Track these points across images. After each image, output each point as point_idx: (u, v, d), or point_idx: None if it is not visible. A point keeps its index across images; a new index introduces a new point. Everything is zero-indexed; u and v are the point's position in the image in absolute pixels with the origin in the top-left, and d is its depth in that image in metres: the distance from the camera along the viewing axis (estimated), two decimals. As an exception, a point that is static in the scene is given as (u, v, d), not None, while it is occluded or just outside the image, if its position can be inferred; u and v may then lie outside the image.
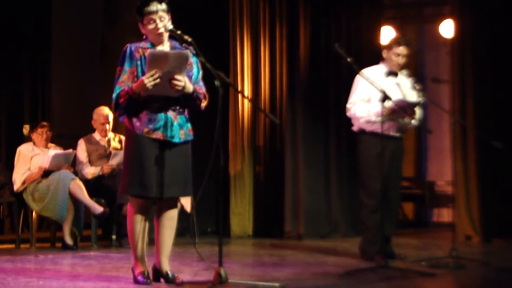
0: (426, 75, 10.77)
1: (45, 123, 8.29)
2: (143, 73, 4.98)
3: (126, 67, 5.06)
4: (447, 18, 9.58)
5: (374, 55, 8.40)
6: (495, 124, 8.36)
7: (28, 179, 7.89)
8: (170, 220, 5.21)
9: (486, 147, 7.67)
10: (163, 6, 5.06)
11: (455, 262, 6.27)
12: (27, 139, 8.29)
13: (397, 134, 6.70)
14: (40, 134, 8.13)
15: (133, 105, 5.01)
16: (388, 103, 6.19)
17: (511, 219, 8.38)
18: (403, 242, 7.95)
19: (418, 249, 7.71)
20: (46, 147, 8.13)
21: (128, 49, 5.08)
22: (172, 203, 5.22)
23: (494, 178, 8.48)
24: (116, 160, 7.95)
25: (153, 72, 4.86)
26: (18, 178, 7.94)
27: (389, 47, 6.77)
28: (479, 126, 8.34)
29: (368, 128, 6.63)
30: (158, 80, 4.87)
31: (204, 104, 5.18)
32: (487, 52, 8.61)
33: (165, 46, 5.14)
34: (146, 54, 4.94)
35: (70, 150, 8.11)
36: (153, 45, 5.10)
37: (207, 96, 5.19)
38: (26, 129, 8.24)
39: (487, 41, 8.62)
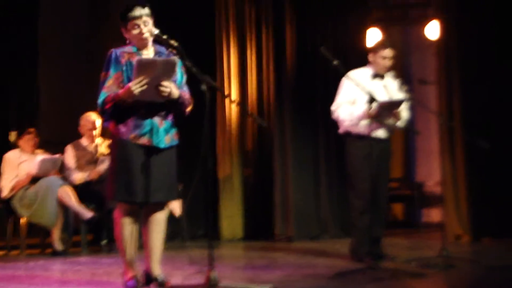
0: (412, 76, 10.79)
1: (31, 130, 8.28)
2: (129, 79, 4.98)
3: (112, 72, 5.05)
4: (433, 19, 9.61)
5: (360, 57, 8.37)
6: (482, 124, 8.38)
7: (17, 186, 7.87)
8: (157, 224, 5.21)
9: (473, 147, 7.69)
10: (146, 10, 5.06)
11: (445, 262, 6.29)
12: (14, 145, 8.27)
13: (384, 136, 6.71)
14: (26, 141, 8.12)
15: (119, 111, 5.00)
16: (374, 105, 6.21)
17: (500, 218, 8.40)
18: (393, 242, 7.96)
19: (408, 249, 7.72)
20: (33, 153, 8.12)
21: (113, 54, 5.07)
22: (159, 207, 5.22)
23: (482, 177, 8.50)
24: (103, 166, 7.94)
25: (140, 78, 4.86)
26: (6, 185, 7.93)
27: (374, 50, 6.79)
28: (466, 126, 8.36)
29: (354, 130, 6.65)
30: (145, 87, 4.87)
31: (189, 109, 5.19)
32: (473, 52, 8.63)
33: (150, 51, 5.14)
34: (134, 61, 4.93)
35: (58, 155, 8.09)
36: (138, 50, 5.10)
37: (191, 101, 5.19)
38: (12, 136, 8.22)
39: (472, 42, 8.64)
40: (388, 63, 6.74)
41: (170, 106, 5.10)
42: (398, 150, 10.85)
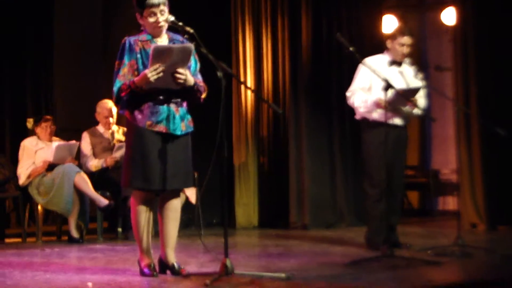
0: (428, 63, 10.75)
1: (49, 117, 8.30)
2: (144, 66, 4.98)
3: (126, 60, 5.04)
4: (449, 5, 9.55)
5: (376, 44, 8.39)
6: (499, 111, 8.34)
7: (33, 173, 7.90)
8: (173, 211, 5.21)
9: (490, 135, 7.65)
10: (164, -1, 5.05)
11: (460, 250, 6.27)
12: (31, 133, 8.30)
13: (401, 123, 6.69)
14: (44, 128, 8.13)
15: (134, 99, 5.01)
16: (390, 92, 6.18)
17: (516, 206, 8.38)
18: (408, 231, 7.94)
19: (423, 237, 7.70)
20: (50, 140, 8.14)
21: (127, 43, 5.07)
22: (175, 194, 5.23)
23: (498, 165, 8.47)
24: (119, 153, 7.94)
25: (156, 66, 4.86)
26: (23, 172, 7.95)
27: (393, 37, 6.75)
28: (482, 113, 8.32)
29: (371, 117, 6.63)
30: (161, 74, 4.87)
31: (203, 96, 5.19)
32: (490, 39, 8.58)
33: (163, 38, 5.13)
34: (150, 48, 4.92)
35: (73, 142, 8.11)
36: (152, 37, 5.09)
37: (206, 88, 5.19)
38: (30, 123, 8.24)
39: (489, 28, 8.59)
40: (405, 50, 6.70)
41: (186, 93, 5.10)
42: (414, 138, 10.80)
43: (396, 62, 6.72)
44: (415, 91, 6.52)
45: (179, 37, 5.16)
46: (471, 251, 6.29)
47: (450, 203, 10.67)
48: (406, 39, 6.68)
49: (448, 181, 10.69)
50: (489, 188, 8.45)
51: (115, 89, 5.01)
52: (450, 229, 7.70)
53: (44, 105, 9.89)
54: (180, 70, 4.94)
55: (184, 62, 4.96)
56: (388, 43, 6.77)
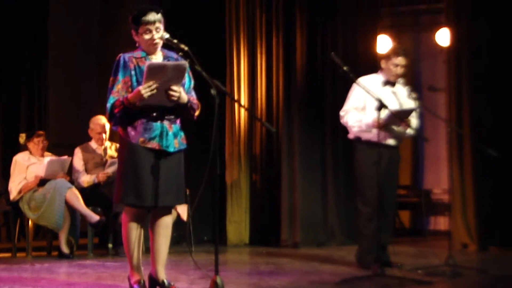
0: (422, 83, 10.79)
1: (41, 132, 8.29)
2: (138, 83, 4.98)
3: (120, 77, 5.04)
4: (443, 26, 9.59)
5: (370, 64, 8.43)
6: (491, 132, 8.36)
7: (25, 188, 7.88)
8: (164, 228, 5.20)
9: (482, 155, 7.67)
10: (159, 16, 5.06)
11: (451, 270, 6.28)
12: (23, 148, 8.29)
13: (393, 143, 6.70)
14: (36, 143, 8.12)
15: (128, 115, 5.01)
16: (384, 112, 6.20)
17: (507, 227, 8.38)
18: (399, 250, 7.93)
19: (414, 257, 7.70)
20: (42, 156, 8.13)
21: (121, 59, 5.07)
22: (167, 211, 5.22)
23: (490, 186, 8.48)
24: (112, 169, 7.94)
25: (150, 83, 4.86)
26: (14, 187, 7.93)
27: (387, 57, 6.77)
28: (475, 134, 8.35)
29: (364, 136, 6.64)
30: (154, 91, 4.87)
31: (197, 113, 5.19)
32: (483, 60, 8.62)
33: (158, 55, 5.14)
34: (144, 65, 4.93)
35: (65, 157, 8.10)
36: (147, 54, 5.10)
37: (199, 105, 5.20)
38: (22, 138, 8.23)
39: (483, 49, 8.63)
40: (399, 70, 6.72)
41: (179, 110, 5.10)
42: (407, 157, 10.81)
43: (390, 82, 6.75)
44: (408, 112, 6.53)
45: (174, 55, 5.17)
46: (462, 271, 6.30)
47: (441, 223, 10.68)
48: (400, 60, 6.70)
49: (440, 201, 10.70)
50: (481, 208, 8.46)
51: (108, 105, 5.01)
52: (441, 249, 7.71)
53: (37, 121, 9.87)
54: (174, 87, 4.94)
55: (178, 80, 4.97)
56: (382, 63, 6.79)
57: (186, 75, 5.11)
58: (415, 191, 10.93)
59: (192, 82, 5.22)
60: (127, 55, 5.08)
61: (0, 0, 9.49)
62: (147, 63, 4.94)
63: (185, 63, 4.98)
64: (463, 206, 8.56)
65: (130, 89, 5.00)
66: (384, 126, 6.40)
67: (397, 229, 10.45)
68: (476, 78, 8.63)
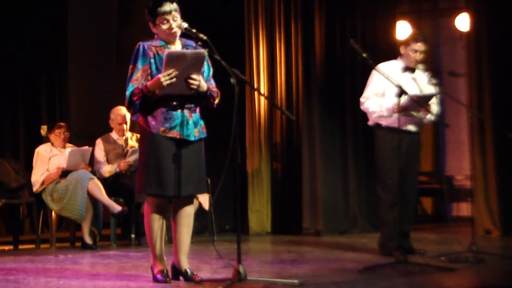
0: (442, 69, 10.73)
1: (62, 124, 8.33)
2: (157, 71, 4.99)
3: (139, 65, 5.05)
4: (463, 11, 9.53)
5: (389, 50, 8.41)
6: (512, 116, 8.32)
7: (47, 180, 7.93)
8: (187, 218, 5.22)
9: (504, 140, 7.63)
10: (175, 5, 5.06)
11: (474, 257, 6.25)
12: (45, 139, 8.33)
13: (414, 129, 6.68)
14: (57, 135, 8.16)
15: (147, 104, 5.01)
16: (404, 98, 6.17)
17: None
18: (422, 237, 7.91)
19: (437, 244, 7.68)
20: (64, 147, 8.17)
21: (141, 47, 5.08)
22: (189, 200, 5.23)
23: (512, 170, 8.45)
24: (133, 157, 7.95)
25: (170, 71, 4.87)
26: (37, 179, 7.98)
27: (406, 43, 6.74)
28: (496, 119, 8.29)
29: (384, 122, 6.62)
30: (174, 79, 4.88)
31: (216, 101, 5.19)
32: (503, 45, 8.56)
33: (177, 45, 5.14)
34: (164, 53, 4.93)
35: (86, 147, 8.14)
36: (166, 44, 5.11)
37: (219, 93, 5.19)
38: (43, 129, 8.27)
39: (503, 34, 8.57)
40: (419, 56, 6.69)
41: (199, 99, 5.10)
42: (428, 143, 10.78)
43: (410, 68, 6.71)
44: (429, 97, 6.50)
45: (192, 43, 5.18)
46: (485, 257, 6.26)
47: (464, 209, 10.63)
48: (420, 45, 6.66)
49: (462, 187, 10.65)
50: (503, 194, 8.42)
51: (127, 93, 5.01)
52: (464, 235, 7.68)
53: (58, 112, 9.91)
54: (194, 75, 4.95)
55: (198, 68, 4.97)
56: (402, 49, 6.76)
57: (205, 63, 5.11)
58: (437, 177, 10.89)
59: (211, 70, 5.22)
60: (146, 44, 5.09)
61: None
62: (166, 51, 4.95)
63: (204, 51, 4.98)
64: (486, 192, 8.52)
65: (149, 77, 5.01)
66: (404, 110, 6.37)
67: (419, 215, 10.42)
68: (496, 63, 8.57)
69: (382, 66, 6.57)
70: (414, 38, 6.72)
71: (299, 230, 8.96)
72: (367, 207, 9.00)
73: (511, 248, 7.39)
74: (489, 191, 8.51)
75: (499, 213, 8.42)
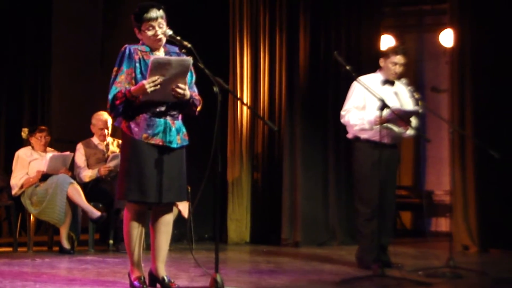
0: (425, 84, 10.78)
1: (44, 127, 8.29)
2: (142, 75, 4.98)
3: (124, 67, 5.03)
4: (447, 27, 9.59)
5: (373, 63, 8.36)
6: (494, 133, 8.36)
7: (26, 183, 7.89)
8: (166, 225, 5.21)
9: (484, 157, 7.67)
10: (161, 12, 5.07)
11: (452, 272, 6.26)
12: (26, 142, 8.30)
13: (392, 142, 6.69)
14: (38, 139, 8.13)
15: (130, 109, 5.00)
16: (385, 112, 6.18)
17: (508, 229, 8.37)
18: (400, 251, 7.94)
19: (415, 258, 7.70)
20: (45, 151, 8.14)
21: (127, 50, 5.06)
22: (169, 208, 5.22)
23: (492, 187, 8.48)
24: (114, 163, 7.95)
25: (155, 78, 4.86)
26: (16, 183, 7.94)
27: (386, 55, 6.76)
28: (477, 136, 8.33)
29: (363, 135, 6.63)
30: (158, 87, 4.87)
31: (198, 109, 5.19)
32: (487, 61, 8.62)
33: (161, 52, 5.14)
34: (150, 60, 4.93)
35: (68, 153, 8.11)
36: (151, 50, 5.10)
37: (201, 100, 5.20)
38: (24, 132, 8.24)
39: (486, 50, 8.63)
40: (398, 69, 6.70)
41: (181, 106, 5.10)
42: (408, 158, 10.83)
43: (389, 81, 6.73)
44: (411, 113, 6.52)
45: (176, 49, 5.17)
46: (463, 273, 6.28)
47: (442, 224, 10.67)
48: (399, 58, 6.68)
49: (441, 202, 10.69)
50: (482, 210, 8.45)
51: (110, 96, 4.98)
52: (442, 250, 7.71)
53: (40, 116, 9.88)
54: (181, 84, 4.94)
55: (183, 75, 4.96)
56: (381, 62, 6.78)
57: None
58: (416, 192, 10.93)
59: (194, 77, 5.22)
60: (132, 47, 5.07)
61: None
62: (152, 57, 4.94)
63: (189, 59, 4.97)
64: (465, 208, 8.55)
65: (133, 81, 4.99)
66: (385, 122, 6.39)
67: (398, 229, 10.45)
68: (479, 80, 8.62)
69: (362, 79, 6.57)
70: (393, 51, 6.74)
71: (278, 241, 8.95)
72: (347, 220, 9.01)
73: (489, 264, 7.41)
74: (468, 207, 8.54)
75: (477, 229, 8.45)
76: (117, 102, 4.96)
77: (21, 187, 7.91)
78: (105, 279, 5.71)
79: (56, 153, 8.13)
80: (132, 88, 4.94)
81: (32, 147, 8.16)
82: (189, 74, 5.13)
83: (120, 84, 4.99)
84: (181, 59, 4.98)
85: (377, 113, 6.19)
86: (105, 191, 7.89)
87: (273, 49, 9.33)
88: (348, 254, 7.46)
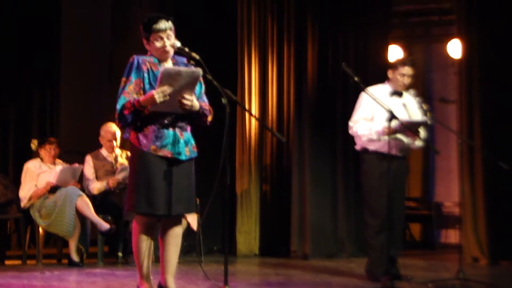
0: (433, 95, 10.77)
1: (53, 139, 8.31)
2: (150, 86, 4.99)
3: (133, 78, 5.04)
4: (455, 38, 9.58)
5: (381, 74, 8.38)
6: (503, 145, 8.33)
7: (34, 195, 7.90)
8: (175, 237, 5.20)
9: (493, 168, 7.64)
10: (170, 24, 5.08)
11: (462, 284, 6.25)
12: (35, 154, 8.31)
13: (401, 154, 6.68)
14: (48, 150, 8.14)
15: (139, 120, 5.00)
16: (394, 123, 6.17)
17: (518, 241, 8.34)
18: (409, 263, 7.91)
19: (424, 270, 7.67)
20: (54, 163, 8.15)
21: (135, 61, 5.07)
22: (177, 220, 5.21)
23: (501, 199, 8.44)
24: (122, 175, 7.95)
25: (164, 88, 4.85)
26: (24, 195, 7.95)
27: (394, 67, 6.76)
28: (486, 147, 8.31)
29: (371, 147, 6.62)
30: (167, 97, 4.87)
31: (209, 119, 5.19)
32: (494, 72, 8.60)
33: (169, 63, 5.15)
34: (158, 70, 4.94)
35: (77, 165, 8.12)
36: (159, 61, 5.11)
37: (211, 110, 5.19)
38: (34, 144, 8.25)
39: (494, 61, 8.61)
40: (407, 80, 6.71)
41: (190, 117, 5.10)
42: (417, 170, 10.80)
43: (397, 93, 6.73)
44: (419, 124, 6.51)
45: (184, 60, 5.17)
46: (473, 285, 6.26)
47: (452, 236, 10.64)
48: (407, 69, 6.68)
49: (451, 214, 10.66)
50: (492, 222, 8.42)
51: (118, 106, 4.98)
52: (451, 262, 7.68)
53: (49, 128, 9.89)
54: (187, 96, 4.94)
55: (192, 87, 4.96)
56: (389, 73, 6.78)
57: (197, 80, 5.11)
58: (425, 203, 10.90)
59: (203, 87, 5.22)
60: (141, 58, 5.08)
61: (12, 4, 9.56)
62: (163, 68, 4.94)
63: (199, 70, 4.97)
64: (474, 220, 8.52)
65: (141, 91, 5.00)
66: (394, 133, 6.38)
67: (407, 241, 10.42)
68: (487, 90, 8.60)
69: (370, 90, 6.57)
70: (402, 62, 6.74)
71: (287, 253, 8.93)
72: (356, 232, 8.98)
73: (498, 277, 7.38)
74: (478, 218, 8.51)
75: (487, 241, 8.42)
76: (126, 111, 4.96)
77: (30, 199, 7.92)
78: (114, 292, 5.71)
79: (65, 165, 8.14)
80: (141, 98, 4.94)
81: (41, 159, 8.17)
82: (198, 84, 5.13)
83: (129, 94, 4.99)
84: (191, 70, 4.98)
85: (385, 123, 6.18)
86: (114, 203, 7.89)
87: (281, 60, 9.34)
88: (357, 267, 7.44)
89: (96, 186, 8.08)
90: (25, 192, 7.96)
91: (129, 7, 9.75)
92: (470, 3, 8.80)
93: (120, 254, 8.00)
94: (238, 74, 9.33)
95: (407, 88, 6.76)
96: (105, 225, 7.63)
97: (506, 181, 8.14)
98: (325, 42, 9.26)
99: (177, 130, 5.06)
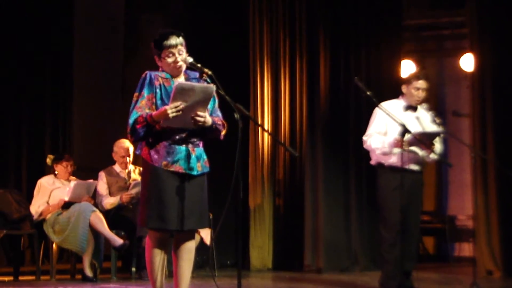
0: (446, 108, 10.76)
1: (70, 156, 8.36)
2: (162, 101, 4.99)
3: (145, 93, 5.04)
4: (467, 52, 9.58)
5: (394, 88, 8.39)
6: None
7: (45, 211, 7.92)
8: (188, 252, 5.20)
9: (507, 181, 7.62)
10: (181, 39, 5.08)
11: (476, 297, 6.22)
12: (49, 169, 8.34)
13: (416, 168, 6.67)
14: (65, 167, 8.19)
15: (151, 136, 5.01)
16: (407, 137, 6.17)
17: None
18: (424, 276, 7.88)
19: (438, 283, 7.65)
20: (68, 180, 8.18)
21: (148, 76, 5.08)
22: (190, 235, 5.21)
23: (515, 212, 8.43)
24: (135, 190, 7.96)
25: (177, 103, 4.86)
26: (35, 211, 7.98)
27: (408, 81, 6.76)
28: (499, 160, 8.30)
29: (386, 161, 6.62)
30: (180, 113, 4.87)
31: (223, 133, 5.19)
32: (507, 85, 8.59)
33: (181, 78, 5.16)
34: (170, 85, 4.96)
35: (91, 181, 8.15)
36: (171, 77, 5.13)
37: (225, 125, 5.19)
38: (50, 158, 8.29)
39: (507, 74, 8.61)
40: (421, 94, 6.70)
41: (203, 133, 5.10)
42: (431, 183, 10.78)
43: (412, 107, 6.72)
44: (432, 135, 6.51)
45: (196, 74, 5.17)
46: (487, 298, 6.24)
47: (466, 249, 10.61)
48: (421, 83, 6.68)
49: (464, 227, 10.63)
50: (506, 235, 8.39)
51: (130, 120, 4.98)
52: (465, 275, 7.65)
53: (61, 144, 9.94)
54: (200, 112, 4.94)
55: (205, 103, 4.96)
56: (404, 88, 6.78)
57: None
58: (439, 217, 10.88)
59: (217, 101, 5.21)
60: (153, 73, 5.09)
61: (26, 22, 9.63)
62: (176, 83, 4.95)
63: (212, 86, 4.97)
64: (488, 233, 8.49)
65: (153, 107, 5.00)
66: (408, 146, 6.37)
67: (421, 255, 10.38)
68: (500, 104, 8.60)
69: (384, 105, 6.57)
70: (416, 76, 6.74)
71: (301, 267, 8.92)
72: (369, 245, 8.97)
73: (513, 290, 7.36)
74: (491, 231, 8.48)
75: (501, 254, 8.39)
76: (138, 126, 4.97)
77: (40, 215, 7.95)
78: (127, 307, 5.71)
79: (80, 181, 8.17)
80: (154, 112, 4.95)
81: (55, 175, 8.20)
82: (211, 99, 5.13)
83: (141, 109, 5.00)
84: (205, 86, 4.98)
85: (397, 136, 6.17)
86: (127, 219, 7.90)
87: (294, 75, 9.36)
88: (371, 280, 7.41)
89: (109, 201, 8.10)
90: (35, 207, 7.99)
91: (141, 24, 9.80)
92: (483, 17, 8.81)
93: (133, 269, 8.00)
94: (250, 89, 9.36)
95: (421, 102, 6.75)
96: (118, 241, 7.64)
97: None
98: (337, 56, 9.28)
99: (189, 146, 5.07)
